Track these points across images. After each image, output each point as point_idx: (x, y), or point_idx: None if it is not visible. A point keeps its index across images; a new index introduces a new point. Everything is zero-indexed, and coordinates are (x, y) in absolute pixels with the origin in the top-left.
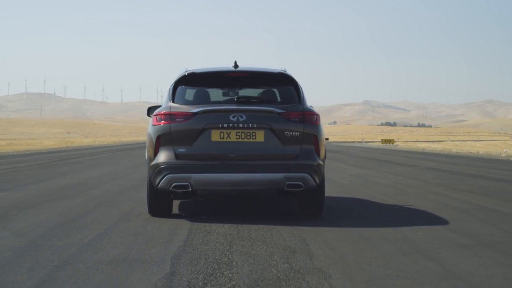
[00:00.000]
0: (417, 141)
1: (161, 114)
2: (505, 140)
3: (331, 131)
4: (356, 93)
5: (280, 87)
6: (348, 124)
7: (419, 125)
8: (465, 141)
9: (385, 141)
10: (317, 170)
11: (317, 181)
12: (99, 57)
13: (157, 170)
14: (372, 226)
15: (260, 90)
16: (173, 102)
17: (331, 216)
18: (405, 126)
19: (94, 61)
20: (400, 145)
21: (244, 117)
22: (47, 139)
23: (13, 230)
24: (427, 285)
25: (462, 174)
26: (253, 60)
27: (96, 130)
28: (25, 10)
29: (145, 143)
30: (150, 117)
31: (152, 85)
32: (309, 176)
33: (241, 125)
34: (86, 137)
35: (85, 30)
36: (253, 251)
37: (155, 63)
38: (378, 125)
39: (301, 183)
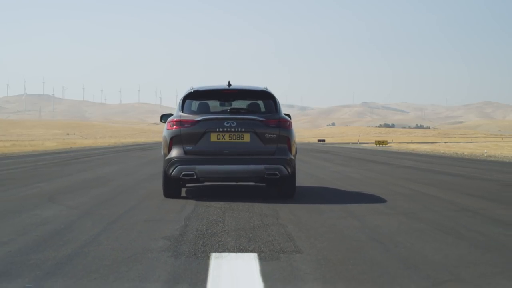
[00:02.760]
0: (410, 143)
1: (173, 121)
2: (497, 141)
3: (329, 133)
4: (354, 95)
5: (262, 101)
6: (347, 125)
7: (417, 127)
8: (457, 142)
9: (378, 142)
10: (290, 163)
11: (289, 171)
12: (98, 58)
13: (171, 163)
14: (327, 203)
15: (248, 103)
16: (182, 112)
17: (300, 197)
18: (403, 127)
19: (92, 63)
20: (393, 146)
21: (235, 123)
22: (48, 141)
23: (67, 205)
24: (346, 231)
25: (431, 171)
26: (253, 61)
27: (95, 132)
28: (23, 11)
29: (144, 144)
30: (162, 122)
31: (150, 86)
32: (283, 167)
33: (232, 130)
34: (86, 138)
35: (84, 32)
36: (239, 216)
37: (153, 64)
38: (376, 126)
39: (277, 172)
